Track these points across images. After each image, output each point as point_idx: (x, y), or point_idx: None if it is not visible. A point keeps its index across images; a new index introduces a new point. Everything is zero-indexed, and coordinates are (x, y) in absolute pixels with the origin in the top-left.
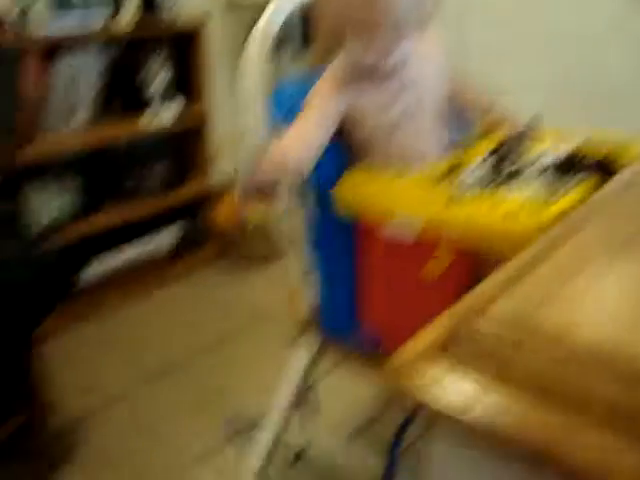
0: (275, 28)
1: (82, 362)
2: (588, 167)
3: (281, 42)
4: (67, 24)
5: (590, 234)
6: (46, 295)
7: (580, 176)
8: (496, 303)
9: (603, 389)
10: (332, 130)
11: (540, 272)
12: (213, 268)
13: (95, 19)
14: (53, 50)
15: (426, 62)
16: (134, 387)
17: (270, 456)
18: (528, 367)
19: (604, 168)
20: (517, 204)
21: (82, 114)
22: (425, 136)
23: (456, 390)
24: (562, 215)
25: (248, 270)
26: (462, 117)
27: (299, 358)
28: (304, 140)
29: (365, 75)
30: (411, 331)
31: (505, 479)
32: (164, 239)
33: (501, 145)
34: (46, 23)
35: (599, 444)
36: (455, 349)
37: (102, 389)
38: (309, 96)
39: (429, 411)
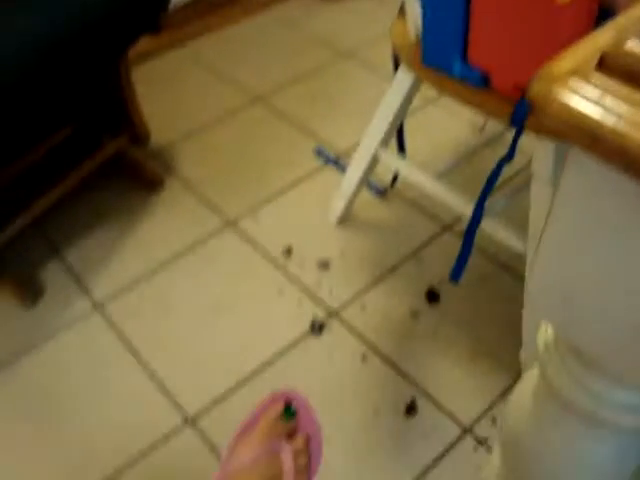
0: None
1: (166, 90)
2: None
3: None
4: None
5: None
6: (139, 9)
7: None
8: None
9: None
10: None
11: None
12: (298, 2)
13: None
14: None
15: None
16: (221, 116)
17: (356, 192)
18: None
19: None
20: None
21: None
22: None
23: (615, 112)
24: None
25: (337, 3)
26: None
27: (394, 93)
28: None
29: None
30: (530, 64)
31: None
32: None
33: None
34: None
35: None
36: (612, 68)
37: (187, 118)
38: None
39: (583, 135)
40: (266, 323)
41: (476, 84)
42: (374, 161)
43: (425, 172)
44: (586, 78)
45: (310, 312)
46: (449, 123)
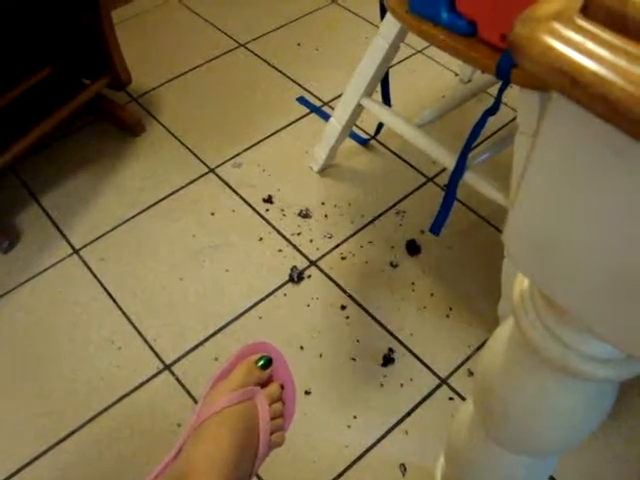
0: None
1: (148, 33)
2: None
3: None
4: None
5: None
6: None
7: None
8: None
9: None
10: None
11: None
12: None
13: None
14: None
15: None
16: (203, 62)
17: (339, 141)
18: None
19: None
20: None
21: None
22: None
23: (598, 57)
24: None
25: None
26: None
27: (379, 42)
28: None
29: None
30: (518, 14)
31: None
32: None
33: None
34: None
35: None
36: (597, 12)
37: (168, 63)
38: None
39: (564, 79)
40: (245, 270)
41: (463, 33)
42: (358, 110)
43: (409, 123)
44: (569, 22)
45: (290, 260)
46: (435, 73)
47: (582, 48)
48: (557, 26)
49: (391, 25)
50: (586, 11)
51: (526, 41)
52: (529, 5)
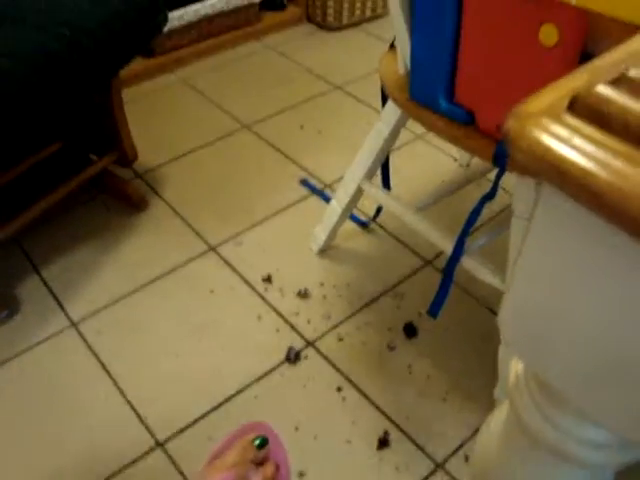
0: None
1: (156, 113)
2: None
3: None
4: None
5: None
6: (135, 31)
7: None
8: (628, 69)
9: None
10: None
11: None
12: (294, 31)
13: None
14: None
15: None
16: (209, 143)
17: (339, 223)
18: None
19: None
20: None
21: None
22: None
23: (582, 151)
24: None
25: (330, 37)
26: None
27: (381, 127)
28: None
29: None
30: (512, 103)
31: (619, 260)
32: None
33: None
34: None
35: None
36: (582, 110)
37: (174, 142)
38: None
39: (552, 171)
40: (242, 349)
41: (461, 122)
42: (358, 193)
43: (408, 207)
44: (557, 118)
45: (287, 340)
46: (435, 158)
47: (568, 143)
48: (545, 121)
49: (392, 111)
50: (572, 108)
51: (517, 134)
52: (526, 96)
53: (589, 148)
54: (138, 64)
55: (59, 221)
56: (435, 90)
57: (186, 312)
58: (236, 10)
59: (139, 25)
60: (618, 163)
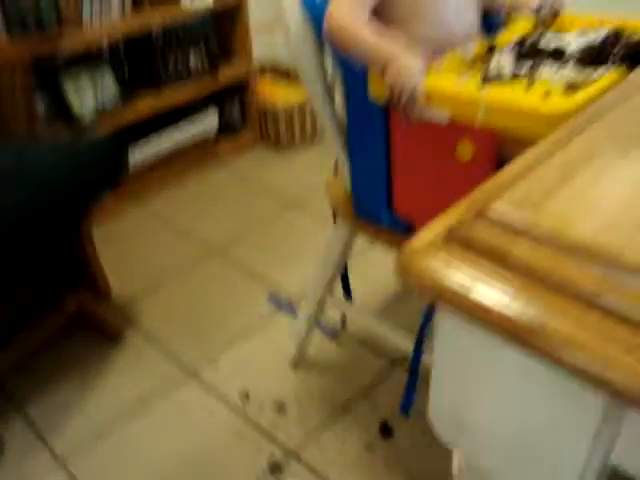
0: None
1: (127, 246)
2: (618, 55)
3: None
4: None
5: (603, 128)
6: (100, 179)
7: (609, 64)
8: (501, 198)
9: (586, 281)
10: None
11: (550, 165)
12: (251, 154)
13: None
14: None
15: None
16: (180, 269)
17: (308, 336)
18: (525, 259)
19: (634, 57)
20: (548, 88)
21: (117, 3)
22: (460, 14)
23: (458, 277)
24: (588, 103)
25: (285, 156)
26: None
27: (334, 242)
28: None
29: None
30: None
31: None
32: (206, 123)
33: (531, 30)
34: None
35: (589, 326)
36: (458, 241)
37: (147, 273)
38: None
39: (434, 296)
40: (224, 467)
41: (402, 232)
42: (321, 306)
43: (369, 313)
44: (437, 248)
45: (267, 454)
46: (392, 263)
47: (444, 270)
48: (428, 252)
49: (342, 226)
50: (448, 241)
51: (405, 268)
52: (452, 205)
53: (460, 272)
54: (107, 201)
55: (38, 359)
56: (376, 206)
57: (170, 439)
58: (194, 141)
59: (101, 176)
60: (484, 282)
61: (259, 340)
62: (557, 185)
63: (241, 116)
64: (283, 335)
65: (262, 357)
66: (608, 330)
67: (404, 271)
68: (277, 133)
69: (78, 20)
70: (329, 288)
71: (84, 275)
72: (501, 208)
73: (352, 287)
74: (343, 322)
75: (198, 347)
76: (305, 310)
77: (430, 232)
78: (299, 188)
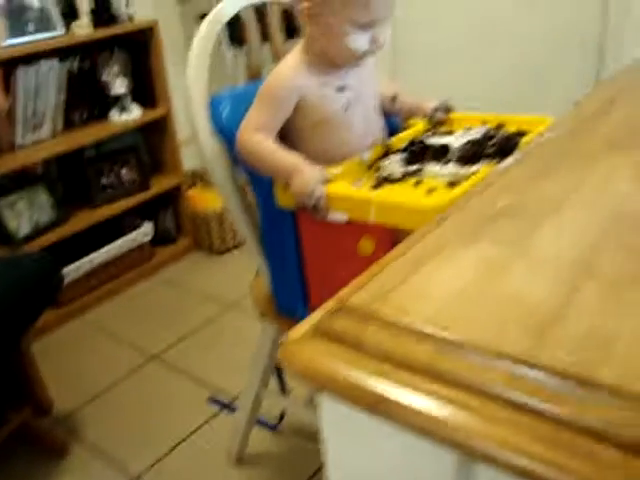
0: (223, 21)
1: (67, 358)
2: (492, 150)
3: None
4: (24, 37)
5: (452, 223)
6: (35, 297)
7: (484, 160)
8: (360, 292)
9: (422, 355)
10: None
11: (404, 258)
12: (186, 260)
13: (51, 30)
14: (12, 63)
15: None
16: (120, 378)
17: (247, 432)
18: (375, 343)
19: (504, 152)
20: (433, 185)
21: (48, 124)
22: (367, 134)
23: (325, 366)
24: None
25: (219, 260)
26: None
27: (262, 339)
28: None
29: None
30: None
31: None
32: (141, 233)
33: (423, 131)
34: (2, 37)
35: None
36: (323, 333)
37: (89, 383)
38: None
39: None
40: None
41: None
42: (257, 402)
43: (305, 404)
44: (305, 340)
45: None
46: None
47: (317, 359)
48: (301, 344)
49: (268, 324)
50: (316, 334)
51: (288, 356)
52: None
53: (325, 358)
54: (45, 315)
55: None
56: (294, 302)
57: None
58: (130, 251)
59: (37, 293)
60: (343, 368)
61: (202, 442)
62: (408, 274)
63: (175, 224)
64: (226, 434)
65: (206, 457)
66: (445, 394)
67: (285, 360)
68: (210, 238)
69: (11, 145)
70: (264, 383)
71: (25, 391)
72: (357, 300)
73: (287, 379)
74: (282, 415)
75: (141, 456)
76: (242, 408)
77: (304, 326)
78: (234, 290)
